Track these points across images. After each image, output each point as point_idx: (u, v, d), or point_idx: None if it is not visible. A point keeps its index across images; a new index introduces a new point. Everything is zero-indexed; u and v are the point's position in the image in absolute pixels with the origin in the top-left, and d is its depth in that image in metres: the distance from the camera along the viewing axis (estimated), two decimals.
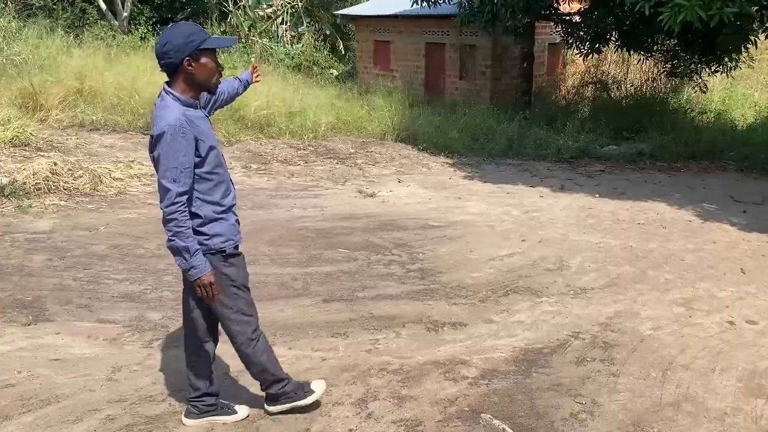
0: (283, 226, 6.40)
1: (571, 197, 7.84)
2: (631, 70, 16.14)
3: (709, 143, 10.38)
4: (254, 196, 7.43)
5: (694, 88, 13.67)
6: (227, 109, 9.87)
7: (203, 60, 2.64)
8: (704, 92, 13.67)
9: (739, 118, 13.55)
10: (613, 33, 11.48)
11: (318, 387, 3.25)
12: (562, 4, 12.32)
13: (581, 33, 11.73)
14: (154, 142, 2.59)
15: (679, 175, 9.00)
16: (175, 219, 2.58)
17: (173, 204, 2.57)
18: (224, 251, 2.79)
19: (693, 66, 13.30)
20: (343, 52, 20.39)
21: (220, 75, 2.77)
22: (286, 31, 19.67)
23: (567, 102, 15.14)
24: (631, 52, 12.75)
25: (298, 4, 20.12)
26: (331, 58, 20.38)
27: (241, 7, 19.26)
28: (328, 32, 20.45)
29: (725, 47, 12.14)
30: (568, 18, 12.37)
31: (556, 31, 15.70)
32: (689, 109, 13.77)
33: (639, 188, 8.25)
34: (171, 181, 2.56)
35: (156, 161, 2.60)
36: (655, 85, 15.13)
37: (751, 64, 13.36)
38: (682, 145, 10.17)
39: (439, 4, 12.94)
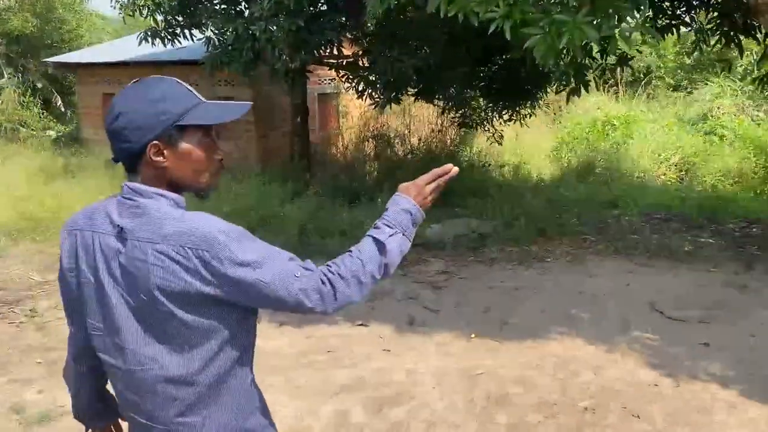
0: None
1: (434, 347, 4.24)
2: (413, 122, 13.49)
3: (544, 209, 7.67)
4: None
5: (488, 139, 11.27)
6: None
7: (184, 146, 1.37)
8: (500, 144, 11.34)
9: (537, 172, 11.39)
10: (413, 78, 8.34)
11: None
12: (345, 47, 9.01)
13: (372, 79, 8.39)
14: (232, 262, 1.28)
15: (550, 266, 5.94)
16: (358, 272, 1.38)
17: (328, 275, 1.36)
18: None
19: (485, 114, 10.98)
20: (62, 110, 14.98)
21: (221, 166, 1.44)
22: None
23: (347, 162, 11.89)
24: (427, 101, 9.88)
25: None
26: (46, 117, 14.95)
27: None
28: (39, 85, 14.90)
29: (527, 92, 9.91)
30: (353, 60, 9.05)
31: (327, 80, 12.46)
32: (485, 164, 11.31)
33: (520, 307, 4.95)
34: (298, 271, 1.33)
35: (248, 279, 1.28)
36: (441, 137, 12.57)
37: (547, 110, 11.41)
38: (511, 215, 7.30)
39: (179, 41, 8.84)
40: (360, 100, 8.63)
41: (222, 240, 1.28)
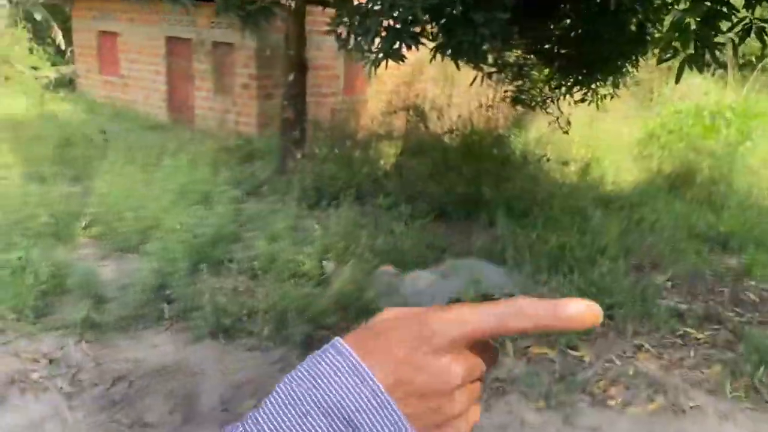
0: None
1: None
2: (457, 92, 10.29)
3: (616, 246, 4.53)
4: None
5: (550, 124, 8.02)
6: None
7: None
8: (566, 132, 8.06)
9: (615, 174, 8.03)
10: (425, 22, 5.09)
11: None
12: None
13: (361, 21, 5.23)
14: None
15: (613, 419, 2.89)
16: None
17: None
18: None
19: (548, 90, 7.77)
20: (63, 47, 12.62)
21: None
22: None
23: (368, 139, 8.91)
24: (457, 59, 6.72)
25: None
26: (46, 54, 12.69)
27: None
28: (38, 17, 12.53)
29: (609, 63, 6.64)
30: None
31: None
32: (543, 158, 8.06)
33: None
34: None
35: None
36: (491, 115, 9.37)
37: (635, 89, 8.03)
38: (562, 263, 4.22)
39: None
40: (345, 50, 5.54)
41: None
